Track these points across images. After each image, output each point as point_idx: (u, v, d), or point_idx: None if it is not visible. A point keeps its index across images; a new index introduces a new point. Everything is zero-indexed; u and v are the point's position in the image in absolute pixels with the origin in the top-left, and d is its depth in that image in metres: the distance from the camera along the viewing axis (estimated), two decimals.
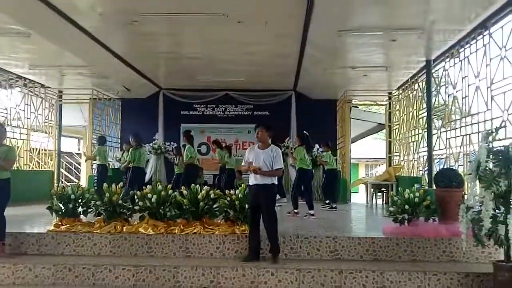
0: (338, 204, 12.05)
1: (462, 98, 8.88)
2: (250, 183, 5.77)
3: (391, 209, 6.46)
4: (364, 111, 17.09)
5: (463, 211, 4.92)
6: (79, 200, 6.50)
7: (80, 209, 6.55)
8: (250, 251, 5.69)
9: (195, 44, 10.00)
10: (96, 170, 11.91)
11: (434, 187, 7.39)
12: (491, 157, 4.77)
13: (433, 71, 10.38)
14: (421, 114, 11.25)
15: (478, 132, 8.07)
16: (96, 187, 9.66)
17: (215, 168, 13.02)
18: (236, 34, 9.06)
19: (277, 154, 5.78)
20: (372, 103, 16.56)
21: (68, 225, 6.28)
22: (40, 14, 7.71)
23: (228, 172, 11.60)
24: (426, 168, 10.44)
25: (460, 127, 8.99)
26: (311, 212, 8.60)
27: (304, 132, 10.40)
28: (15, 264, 5.43)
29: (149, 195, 6.26)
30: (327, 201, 10.75)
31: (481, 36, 8.13)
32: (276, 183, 5.87)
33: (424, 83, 10.87)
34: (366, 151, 28.05)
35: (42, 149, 13.53)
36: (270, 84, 14.05)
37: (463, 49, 8.83)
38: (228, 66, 11.83)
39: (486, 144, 4.83)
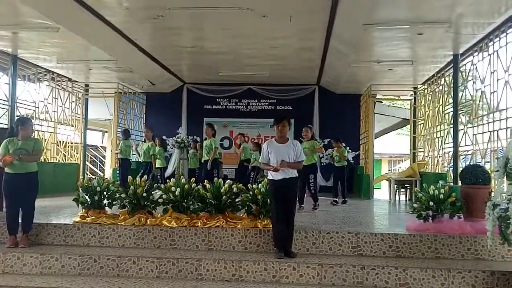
0: (360, 200, 12.04)
1: (491, 93, 8.69)
2: (276, 178, 5.67)
3: (415, 205, 6.38)
4: (388, 106, 16.85)
5: (489, 208, 4.82)
6: (105, 193, 6.63)
7: (105, 201, 6.67)
8: (281, 247, 5.63)
9: (219, 38, 10.03)
10: (118, 164, 12.06)
11: (460, 184, 7.27)
12: None
13: (460, 65, 10.17)
14: (447, 109, 11.05)
15: (507, 128, 7.90)
16: (119, 181, 9.82)
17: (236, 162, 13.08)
18: (261, 28, 9.05)
19: (299, 147, 5.83)
20: (396, 98, 16.32)
21: (93, 217, 6.41)
22: (69, 9, 7.84)
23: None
24: (451, 165, 10.27)
25: (488, 123, 8.80)
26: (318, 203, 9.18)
27: (310, 125, 10.33)
28: (43, 254, 5.57)
29: (173, 188, 6.33)
30: (345, 198, 10.80)
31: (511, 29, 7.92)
32: (297, 175, 5.89)
33: (450, 77, 10.66)
34: (389, 147, 27.73)
35: (68, 142, 13.79)
36: (294, 79, 14.01)
37: (492, 43, 8.62)
38: (252, 61, 11.84)
39: None
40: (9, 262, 5.54)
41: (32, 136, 6.31)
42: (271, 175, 5.74)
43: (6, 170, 5.92)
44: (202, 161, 10.87)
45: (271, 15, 8.26)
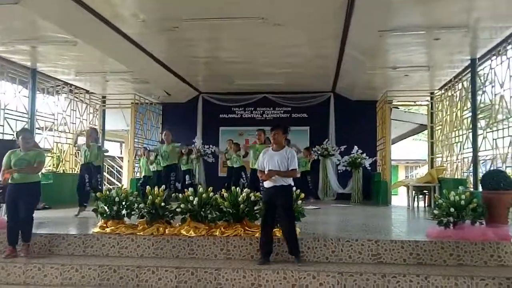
0: (378, 206, 11.92)
1: (510, 97, 8.56)
2: (267, 186, 5.76)
3: (435, 211, 6.28)
4: (405, 111, 16.72)
5: None
6: (123, 203, 6.64)
7: (124, 212, 6.67)
8: (264, 254, 5.69)
9: (234, 48, 10.09)
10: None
11: (480, 189, 7.15)
12: None
13: (478, 69, 10.06)
14: (465, 114, 10.92)
15: None
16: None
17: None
18: (275, 37, 9.07)
19: (291, 155, 5.76)
20: (413, 103, 16.19)
21: (112, 227, 6.42)
22: (86, 22, 7.97)
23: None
24: (470, 170, 10.12)
25: (508, 127, 8.67)
26: None
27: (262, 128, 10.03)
28: (63, 265, 5.61)
29: (191, 198, 6.34)
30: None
31: None
32: (293, 184, 5.85)
33: (468, 82, 10.54)
34: (405, 153, 27.47)
35: None
36: (309, 86, 14.01)
37: (511, 46, 8.51)
38: (267, 69, 11.87)
39: None
40: (30, 273, 5.59)
41: (34, 148, 6.34)
42: (264, 183, 5.81)
43: (10, 181, 5.99)
44: (160, 167, 10.54)
45: (285, 24, 8.29)
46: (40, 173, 6.39)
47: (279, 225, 5.86)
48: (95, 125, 14.29)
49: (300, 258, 5.63)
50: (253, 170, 9.03)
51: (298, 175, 9.62)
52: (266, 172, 5.72)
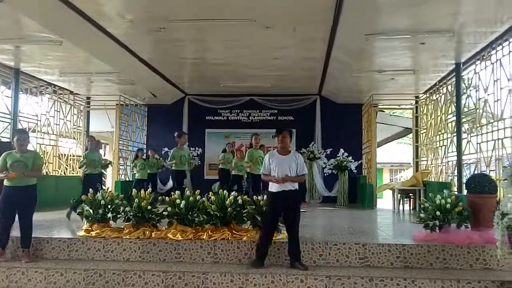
0: (364, 209, 11.99)
1: (494, 101, 8.67)
2: (276, 190, 5.66)
3: (421, 215, 6.33)
4: (390, 115, 16.86)
5: (498, 218, 4.80)
6: (109, 206, 6.55)
7: (109, 215, 6.58)
8: (260, 256, 5.65)
9: (221, 50, 10.05)
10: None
11: (465, 193, 7.23)
12: None
13: (462, 74, 10.18)
14: (449, 118, 11.04)
15: (511, 137, 7.87)
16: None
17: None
18: (263, 39, 9.07)
19: (301, 160, 5.77)
20: (398, 107, 16.34)
21: (98, 231, 6.34)
22: (72, 22, 7.86)
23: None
24: (455, 173, 10.23)
25: (492, 132, 8.78)
26: None
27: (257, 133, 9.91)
28: (47, 269, 5.51)
29: (178, 201, 6.28)
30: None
31: None
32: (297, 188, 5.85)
33: (453, 86, 10.66)
34: (390, 156, 27.70)
35: (70, 155, 13.74)
36: (295, 89, 14.04)
37: (495, 51, 8.63)
38: (254, 72, 11.86)
39: None
40: (13, 277, 5.49)
41: (28, 149, 6.13)
42: (271, 187, 5.74)
43: (5, 183, 5.83)
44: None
45: (274, 26, 8.29)
46: None
47: (286, 228, 5.79)
48: (79, 126, 14.15)
49: (303, 263, 5.63)
50: (252, 174, 9.01)
51: None
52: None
